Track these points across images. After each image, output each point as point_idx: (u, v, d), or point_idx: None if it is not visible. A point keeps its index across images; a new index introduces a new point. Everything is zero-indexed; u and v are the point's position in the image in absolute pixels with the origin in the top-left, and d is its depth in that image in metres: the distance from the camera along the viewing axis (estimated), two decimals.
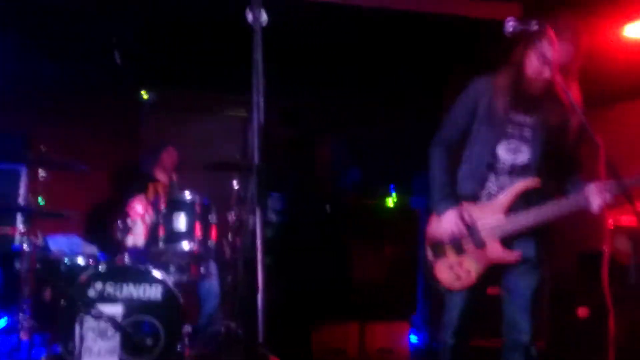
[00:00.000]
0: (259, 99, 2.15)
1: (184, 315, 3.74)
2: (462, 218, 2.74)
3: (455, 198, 2.79)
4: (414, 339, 5.15)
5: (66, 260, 3.87)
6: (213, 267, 4.49)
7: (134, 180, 4.76)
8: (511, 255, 2.72)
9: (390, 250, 5.20)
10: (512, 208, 2.71)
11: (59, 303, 3.58)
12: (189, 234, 3.98)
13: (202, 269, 4.25)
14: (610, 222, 3.53)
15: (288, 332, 4.41)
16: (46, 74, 5.06)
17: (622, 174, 2.41)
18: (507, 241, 2.73)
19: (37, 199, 3.74)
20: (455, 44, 4.77)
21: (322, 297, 4.93)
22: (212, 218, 4.13)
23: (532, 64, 2.65)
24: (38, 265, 3.73)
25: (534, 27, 2.47)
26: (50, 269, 3.82)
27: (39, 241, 3.76)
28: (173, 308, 3.70)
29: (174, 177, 4.66)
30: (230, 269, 4.24)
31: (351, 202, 5.40)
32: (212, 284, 4.49)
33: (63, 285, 3.67)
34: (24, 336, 3.62)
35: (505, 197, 2.72)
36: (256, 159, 2.17)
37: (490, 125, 2.74)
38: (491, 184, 2.76)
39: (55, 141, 3.97)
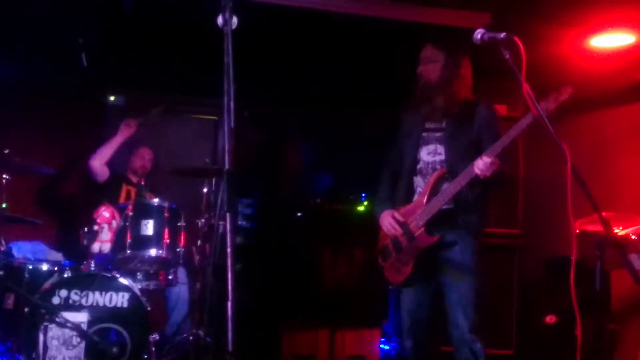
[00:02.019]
0: (229, 103, 2.13)
1: (151, 323, 3.69)
2: (394, 217, 3.11)
3: (390, 204, 3.20)
4: (385, 346, 5.16)
5: (30, 266, 3.78)
6: (182, 273, 4.43)
7: (106, 183, 4.67)
8: (432, 239, 3.00)
9: (361, 257, 5.20)
10: (429, 198, 3.03)
11: (22, 311, 3.51)
12: (156, 240, 3.93)
13: (170, 276, 4.19)
14: (577, 228, 3.58)
15: (258, 338, 4.38)
16: (11, 75, 4.96)
17: (586, 180, 2.45)
18: (433, 228, 3.01)
19: (0, 204, 3.65)
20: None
21: (293, 303, 4.91)
22: (181, 223, 4.08)
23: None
24: (1, 272, 3.64)
25: (502, 36, 2.51)
26: (14, 276, 3.73)
27: (2, 247, 3.67)
28: (140, 316, 3.65)
29: (142, 181, 4.59)
30: (199, 276, 4.20)
31: (322, 208, 5.39)
32: (181, 291, 4.44)
33: (26, 292, 3.59)
34: None
35: (423, 190, 3.08)
36: (227, 163, 2.15)
37: (411, 138, 3.18)
38: (419, 187, 3.12)
39: (19, 144, 3.89)
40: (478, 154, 3.00)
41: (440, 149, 3.09)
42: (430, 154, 3.11)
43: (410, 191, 3.14)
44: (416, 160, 3.13)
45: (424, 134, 3.14)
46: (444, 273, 3.04)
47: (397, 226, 3.08)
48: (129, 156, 4.82)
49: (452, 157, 3.05)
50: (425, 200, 3.03)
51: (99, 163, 4.58)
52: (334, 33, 4.55)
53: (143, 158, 4.81)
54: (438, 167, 3.07)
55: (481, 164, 2.87)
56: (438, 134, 3.11)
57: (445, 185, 3.01)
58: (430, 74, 3.11)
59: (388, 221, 3.12)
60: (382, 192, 3.29)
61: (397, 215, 3.11)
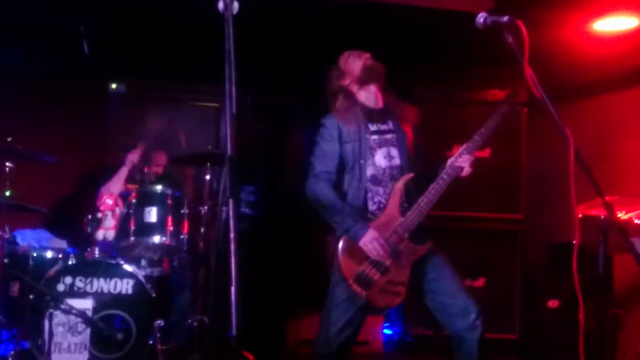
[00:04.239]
0: (231, 89, 2.13)
1: (155, 309, 3.71)
2: (380, 236, 2.77)
3: (365, 220, 2.83)
4: (387, 331, 5.18)
5: (34, 254, 3.81)
6: (186, 260, 4.45)
7: (105, 175, 4.66)
8: (423, 249, 2.84)
9: None
10: (401, 207, 2.84)
11: (27, 298, 3.53)
12: (160, 227, 3.93)
13: (174, 263, 4.21)
14: (579, 213, 3.58)
15: (262, 324, 4.40)
16: (12, 63, 4.96)
17: (589, 165, 2.44)
18: (413, 236, 2.83)
19: (4, 192, 3.66)
20: (426, 36, 4.79)
21: (297, 289, 4.93)
22: (184, 211, 4.08)
23: (362, 95, 2.99)
24: (6, 260, 3.66)
25: (505, 20, 2.49)
26: (18, 264, 3.76)
27: (6, 235, 3.69)
28: (144, 302, 3.68)
29: (145, 169, 4.58)
30: (203, 262, 4.21)
31: None
32: (185, 278, 4.45)
33: (31, 279, 3.61)
34: None
35: (392, 202, 2.85)
36: (229, 149, 2.15)
37: (359, 141, 2.89)
38: (378, 196, 2.89)
39: (22, 132, 3.89)
40: (416, 155, 2.97)
41: (394, 152, 2.93)
42: (386, 159, 2.91)
43: (372, 201, 2.89)
44: (373, 167, 2.90)
45: (374, 137, 2.92)
46: (428, 269, 2.87)
47: (387, 248, 2.77)
48: (147, 155, 4.67)
49: (406, 160, 2.93)
50: (397, 212, 2.83)
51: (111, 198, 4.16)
52: (336, 18, 4.53)
53: (158, 165, 4.72)
54: (395, 171, 2.90)
55: (468, 164, 2.82)
56: (389, 136, 2.95)
57: (417, 193, 2.84)
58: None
59: (378, 241, 2.76)
60: (345, 207, 2.84)
61: (381, 234, 2.78)
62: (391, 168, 2.91)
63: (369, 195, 2.89)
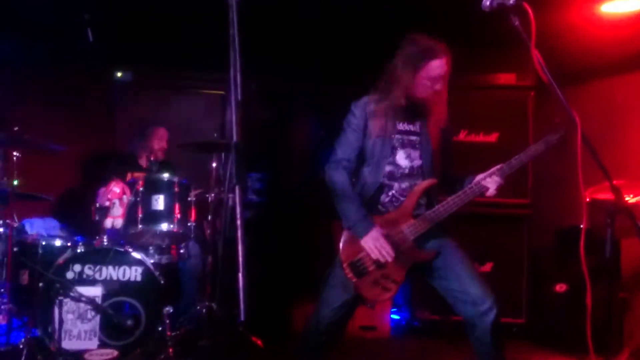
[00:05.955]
0: (236, 76, 2.13)
1: (164, 296, 3.73)
2: (385, 237, 2.79)
3: (371, 217, 2.84)
4: (395, 316, 5.20)
5: (43, 242, 3.82)
6: (194, 247, 4.46)
7: (113, 163, 4.67)
8: (428, 255, 2.86)
9: None
10: (415, 209, 2.86)
11: (37, 286, 3.55)
12: (168, 215, 3.94)
13: (182, 250, 4.23)
14: (587, 196, 3.57)
15: (270, 311, 4.42)
16: (19, 53, 4.96)
17: (596, 148, 2.43)
18: (420, 239, 2.85)
19: (12, 181, 3.67)
20: (432, 20, 4.74)
21: (303, 276, 4.94)
22: (191, 198, 4.09)
23: (423, 85, 2.83)
24: (15, 249, 3.68)
25: (511, 2, 2.47)
26: (28, 252, 3.77)
27: (15, 224, 3.70)
28: (153, 289, 3.70)
29: (152, 157, 4.58)
30: (210, 249, 4.23)
31: None
32: (193, 265, 4.47)
33: (41, 268, 3.63)
34: (2, 320, 3.59)
35: (408, 201, 2.86)
36: (234, 135, 2.15)
37: (383, 139, 2.89)
38: (394, 191, 2.90)
39: (29, 121, 3.89)
40: (448, 159, 2.98)
41: (415, 154, 2.92)
42: (407, 159, 2.91)
43: (386, 196, 2.91)
44: (393, 164, 2.90)
45: (399, 137, 2.92)
46: (439, 259, 2.87)
47: (389, 248, 2.77)
48: (146, 136, 4.75)
49: (429, 162, 2.92)
50: (409, 213, 2.84)
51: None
52: (340, 3, 4.50)
53: (161, 139, 4.75)
54: (415, 172, 2.91)
55: (495, 186, 2.82)
56: (412, 138, 2.93)
57: (441, 199, 2.85)
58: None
59: (380, 242, 2.78)
60: (356, 201, 2.86)
61: (386, 233, 2.81)
62: (411, 168, 2.91)
63: (384, 189, 2.91)
